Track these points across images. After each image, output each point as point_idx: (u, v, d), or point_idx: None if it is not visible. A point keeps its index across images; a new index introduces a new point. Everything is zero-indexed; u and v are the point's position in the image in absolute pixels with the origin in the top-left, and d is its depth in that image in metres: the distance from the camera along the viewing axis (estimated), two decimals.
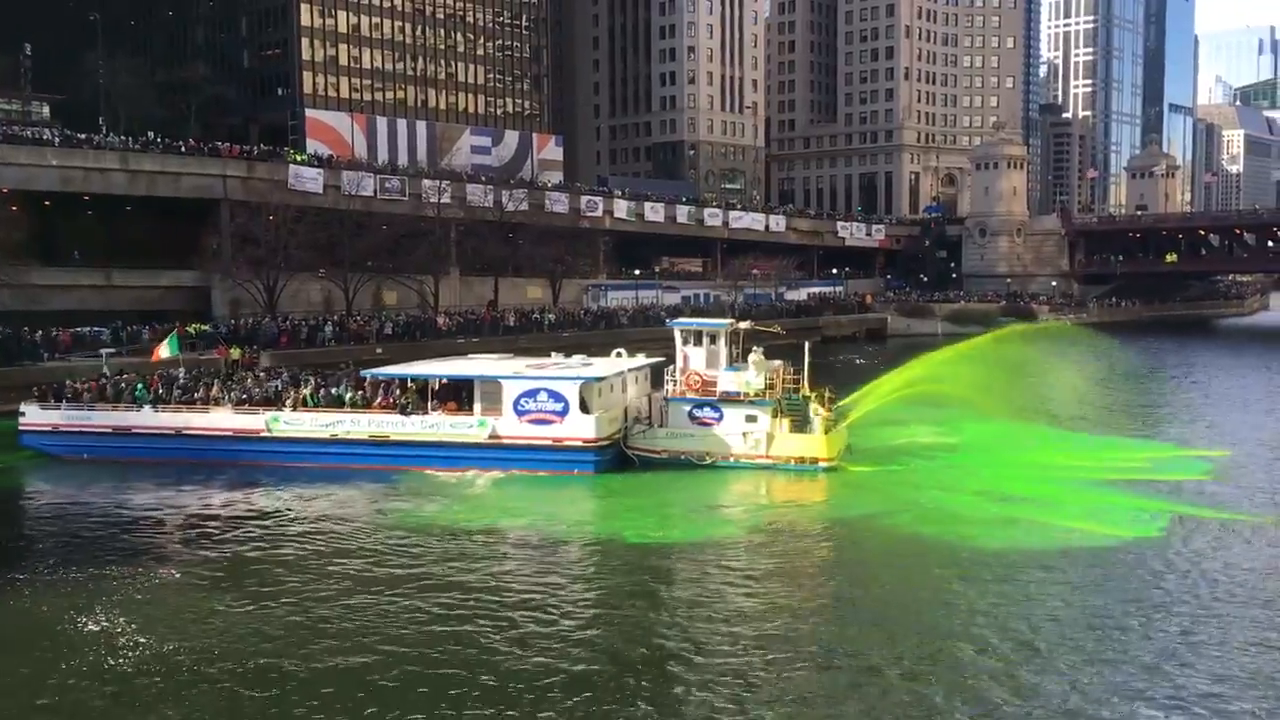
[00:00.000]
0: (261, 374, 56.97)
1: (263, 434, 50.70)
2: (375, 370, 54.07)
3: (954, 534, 36.96)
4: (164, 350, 58.64)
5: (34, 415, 53.39)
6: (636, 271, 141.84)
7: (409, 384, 51.37)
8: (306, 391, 51.93)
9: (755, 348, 51.13)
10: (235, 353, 67.82)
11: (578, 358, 56.33)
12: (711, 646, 27.21)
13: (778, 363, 51.55)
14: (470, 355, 61.92)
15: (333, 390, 52.15)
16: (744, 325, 54.25)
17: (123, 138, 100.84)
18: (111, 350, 63.50)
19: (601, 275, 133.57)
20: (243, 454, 50.45)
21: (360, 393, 51.72)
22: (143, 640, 27.87)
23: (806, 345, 53.32)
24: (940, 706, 23.65)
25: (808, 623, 29.26)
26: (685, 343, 51.53)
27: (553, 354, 58.18)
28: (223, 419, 51.39)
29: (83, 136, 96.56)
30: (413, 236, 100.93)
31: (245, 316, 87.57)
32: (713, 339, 51.11)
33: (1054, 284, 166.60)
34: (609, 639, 28.06)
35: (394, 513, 41.92)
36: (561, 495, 45.36)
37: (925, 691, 24.42)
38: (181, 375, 55.31)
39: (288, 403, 51.30)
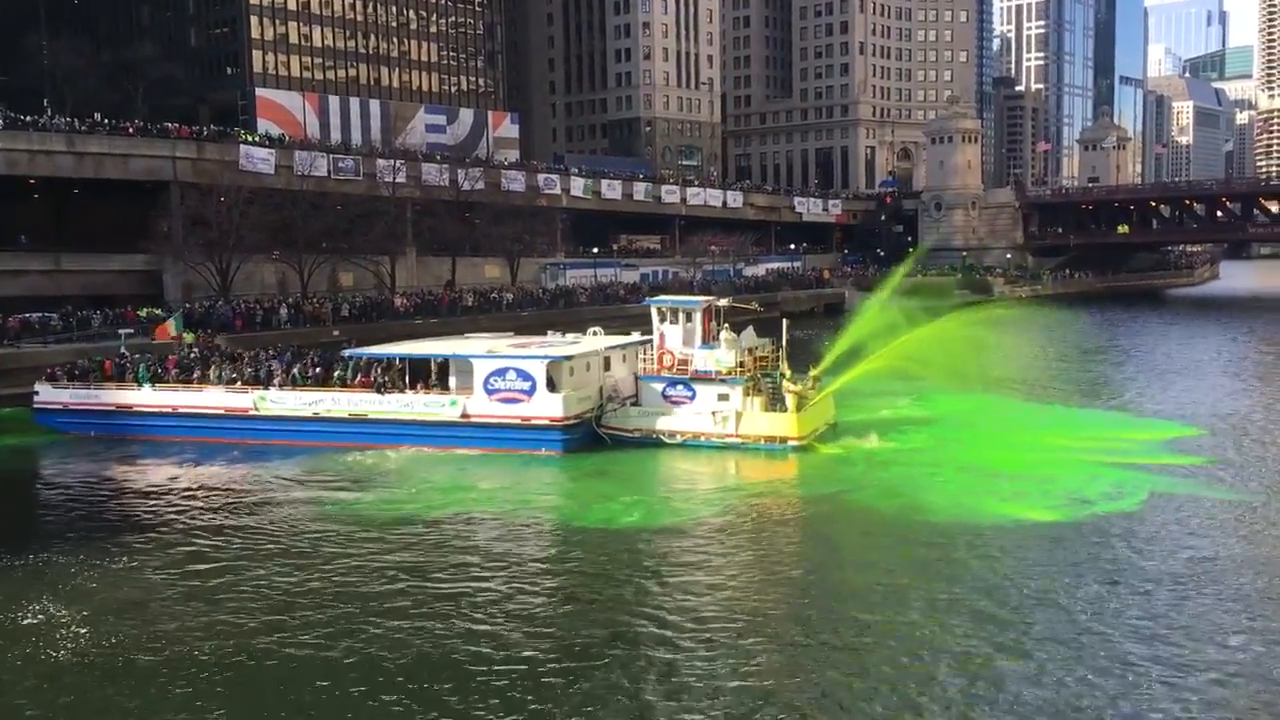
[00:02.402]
0: (261, 353, 57.31)
1: (250, 412, 51.45)
2: (359, 350, 54.32)
3: (919, 514, 36.26)
4: (171, 328, 60.06)
5: (46, 394, 55.03)
6: (595, 250, 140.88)
7: (395, 363, 51.25)
8: (296, 369, 52.33)
9: (725, 325, 50.65)
10: (189, 337, 66.64)
11: (571, 336, 56.73)
12: (666, 629, 26.76)
13: (762, 340, 51.06)
14: (467, 335, 61.90)
15: (324, 369, 52.37)
16: (722, 303, 53.74)
17: (69, 119, 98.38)
18: (129, 331, 63.40)
19: (559, 254, 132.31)
20: (232, 432, 51.32)
21: (346, 370, 51.91)
22: (83, 631, 27.29)
23: (784, 322, 52.90)
24: (907, 686, 23.41)
25: (766, 604, 28.80)
26: (662, 320, 51.06)
27: (549, 333, 59.02)
28: (214, 398, 52.36)
29: (27, 119, 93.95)
30: (368, 217, 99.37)
31: (199, 300, 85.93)
32: (688, 317, 50.54)
33: (1009, 256, 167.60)
34: (563, 623, 27.54)
35: (355, 498, 41.15)
36: (526, 475, 44.92)
37: (889, 671, 24.16)
38: (193, 354, 56.86)
39: (275, 381, 51.83)
